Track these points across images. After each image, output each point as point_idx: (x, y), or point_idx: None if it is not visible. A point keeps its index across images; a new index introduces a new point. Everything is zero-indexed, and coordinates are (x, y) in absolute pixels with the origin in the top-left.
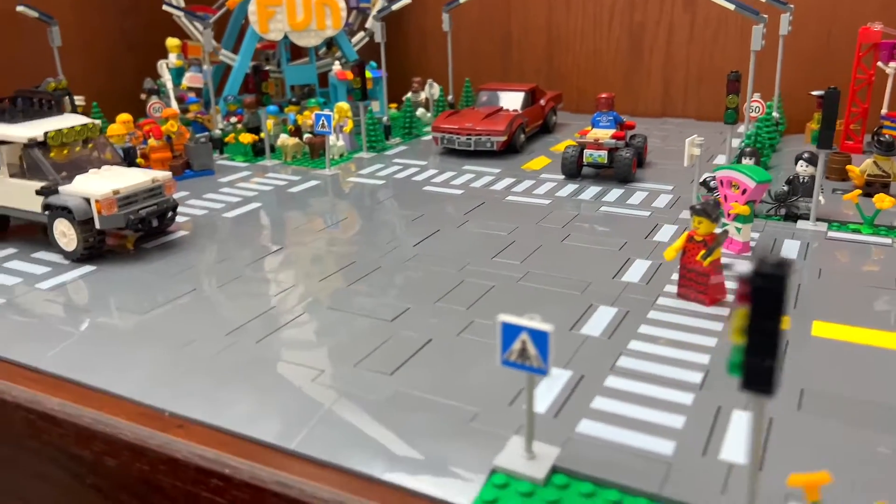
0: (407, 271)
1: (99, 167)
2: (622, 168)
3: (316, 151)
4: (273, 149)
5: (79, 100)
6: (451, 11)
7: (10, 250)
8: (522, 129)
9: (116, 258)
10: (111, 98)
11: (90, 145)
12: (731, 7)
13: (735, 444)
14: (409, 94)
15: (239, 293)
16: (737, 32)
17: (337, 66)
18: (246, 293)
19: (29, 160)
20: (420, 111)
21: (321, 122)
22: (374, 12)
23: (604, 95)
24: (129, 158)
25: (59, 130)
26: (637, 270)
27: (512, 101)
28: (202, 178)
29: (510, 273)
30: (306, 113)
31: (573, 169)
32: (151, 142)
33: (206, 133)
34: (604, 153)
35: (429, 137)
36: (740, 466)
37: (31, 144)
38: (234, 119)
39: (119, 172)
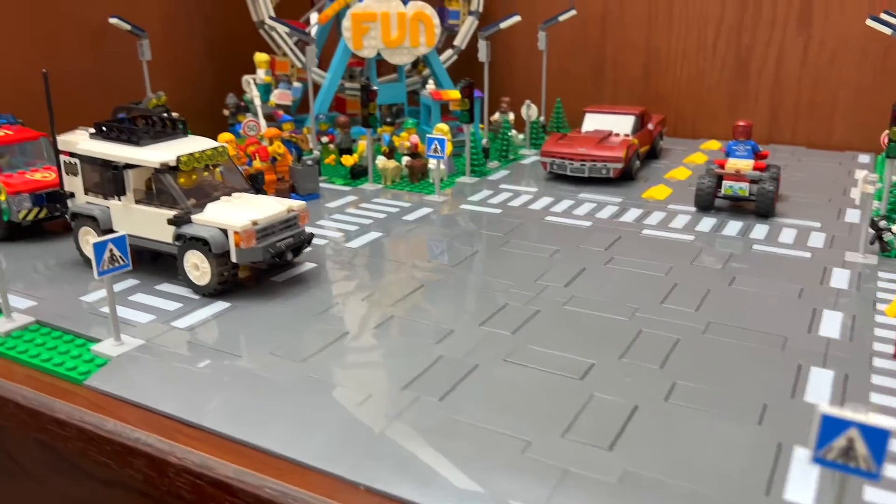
0: (570, 317)
1: (228, 194)
2: (765, 201)
3: (416, 175)
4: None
5: (176, 116)
6: (547, 30)
7: (132, 281)
8: (637, 156)
9: (248, 293)
10: (192, 112)
11: (216, 169)
12: (889, 32)
13: None
14: (497, 115)
15: (396, 337)
16: (857, 56)
17: (431, 86)
18: (404, 338)
19: (159, 186)
20: (511, 132)
21: (433, 147)
22: (465, 29)
23: (741, 123)
24: (256, 185)
25: (192, 155)
26: (831, 324)
27: (622, 124)
28: (308, 202)
29: (688, 323)
30: (403, 134)
31: (708, 201)
32: (256, 163)
33: (313, 155)
34: (745, 185)
35: (527, 161)
36: None
37: (163, 170)
38: (325, 139)
39: (251, 201)
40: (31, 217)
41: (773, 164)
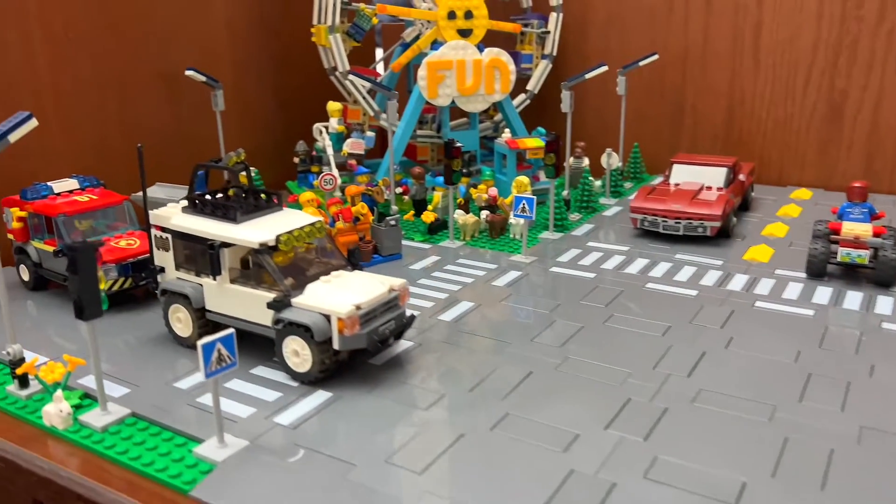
0: (704, 418)
1: (326, 271)
2: (887, 271)
3: (496, 230)
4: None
5: (253, 171)
6: (627, 74)
7: None
8: (734, 212)
9: (348, 379)
10: (261, 159)
11: (312, 245)
12: None
13: None
14: (571, 160)
15: (517, 442)
16: None
17: (507, 134)
18: (525, 443)
19: (256, 266)
20: (591, 181)
21: (521, 207)
22: (538, 73)
23: (857, 185)
24: (353, 260)
25: (291, 233)
26: None
27: (714, 177)
28: (390, 263)
29: (837, 426)
30: (481, 186)
31: (821, 269)
32: (339, 224)
33: (397, 215)
34: (864, 252)
35: (609, 212)
36: None
37: (262, 250)
38: (398, 190)
39: (352, 280)
40: (116, 287)
41: (890, 225)
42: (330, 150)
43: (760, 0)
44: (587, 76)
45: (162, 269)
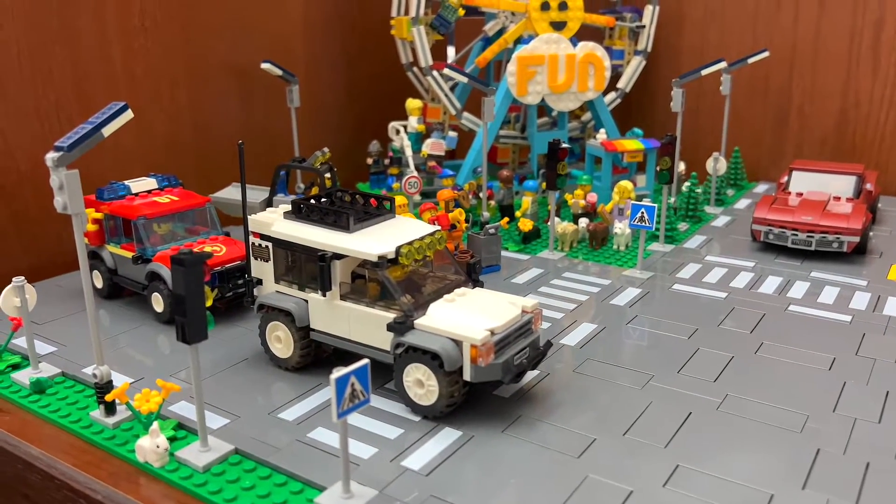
0: None
1: (448, 289)
2: None
3: (597, 239)
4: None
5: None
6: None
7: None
8: (872, 225)
9: (475, 414)
10: (333, 158)
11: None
12: None
13: None
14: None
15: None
16: None
17: (602, 135)
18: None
19: (370, 280)
20: (698, 189)
21: (639, 215)
22: (630, 70)
23: None
24: (473, 275)
25: (412, 244)
26: None
27: (842, 186)
28: (489, 276)
29: None
30: (578, 192)
31: None
32: None
33: (496, 224)
34: None
35: (718, 223)
36: None
37: (381, 263)
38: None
39: (479, 300)
40: None
41: None
42: (409, 151)
43: None
44: (703, 72)
45: (259, 282)
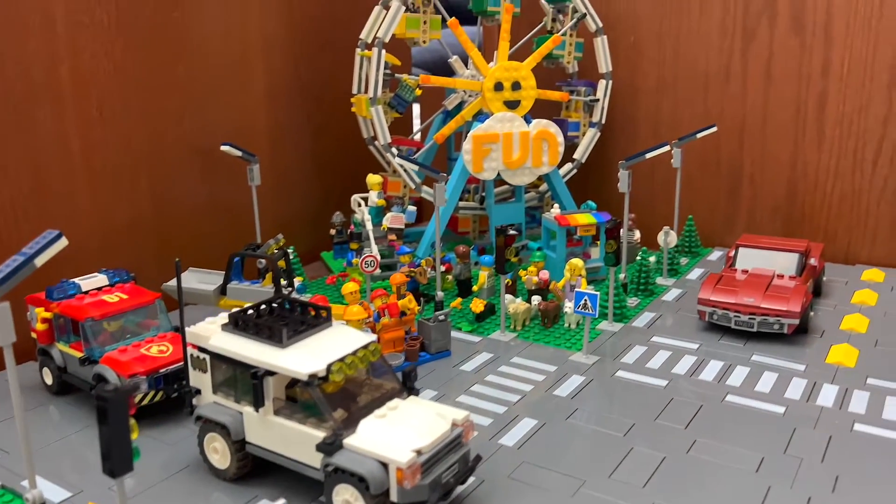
0: None
1: (380, 399)
2: None
3: (549, 318)
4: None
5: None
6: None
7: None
8: (811, 305)
9: None
10: (297, 228)
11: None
12: None
13: None
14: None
15: None
16: None
17: (556, 210)
18: None
19: (303, 397)
20: (650, 260)
21: (582, 303)
22: (585, 142)
23: None
24: (408, 383)
25: (343, 361)
26: None
27: (785, 263)
28: (438, 361)
29: None
30: (531, 269)
31: None
32: (385, 320)
33: (446, 311)
34: None
35: (669, 296)
36: None
37: (311, 382)
38: (441, 269)
39: (408, 414)
40: (146, 402)
41: None
42: (369, 226)
43: (826, 70)
44: (647, 156)
45: (198, 391)
